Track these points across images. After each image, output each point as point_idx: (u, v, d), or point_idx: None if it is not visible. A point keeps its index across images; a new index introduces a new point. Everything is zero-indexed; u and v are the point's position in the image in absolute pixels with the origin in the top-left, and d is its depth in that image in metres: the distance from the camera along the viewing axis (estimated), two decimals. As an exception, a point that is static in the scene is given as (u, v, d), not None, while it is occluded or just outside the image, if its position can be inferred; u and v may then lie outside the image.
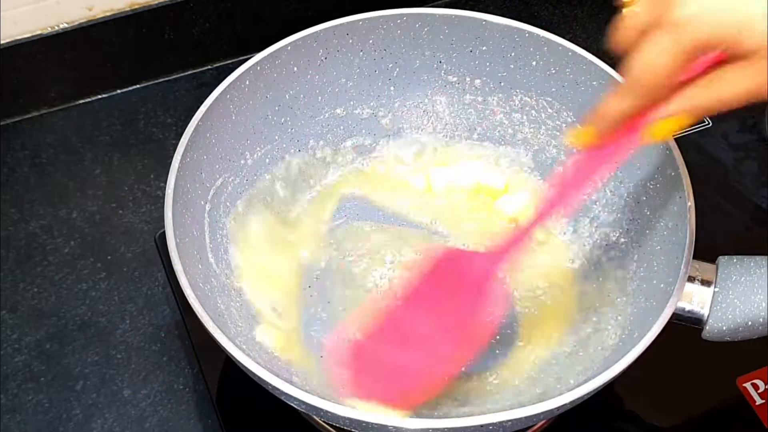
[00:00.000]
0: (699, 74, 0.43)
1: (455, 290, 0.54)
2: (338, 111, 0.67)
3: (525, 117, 0.66)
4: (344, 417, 0.47)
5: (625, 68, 0.43)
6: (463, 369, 0.58)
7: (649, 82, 0.42)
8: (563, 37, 0.62)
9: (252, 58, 0.61)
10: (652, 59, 0.42)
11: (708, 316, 0.53)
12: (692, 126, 0.44)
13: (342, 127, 0.68)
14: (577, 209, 0.62)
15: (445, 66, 0.67)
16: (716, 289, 0.53)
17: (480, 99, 0.67)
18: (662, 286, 0.54)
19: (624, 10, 0.44)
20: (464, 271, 0.54)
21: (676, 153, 0.57)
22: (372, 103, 0.68)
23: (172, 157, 0.57)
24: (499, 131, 0.68)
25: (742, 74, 0.41)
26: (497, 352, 0.60)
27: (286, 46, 0.62)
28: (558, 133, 0.65)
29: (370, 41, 0.65)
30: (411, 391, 0.53)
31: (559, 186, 0.51)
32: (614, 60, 0.61)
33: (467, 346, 0.54)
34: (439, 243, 0.64)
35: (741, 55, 0.41)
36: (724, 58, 0.42)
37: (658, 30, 0.41)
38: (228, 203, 0.62)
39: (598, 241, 0.63)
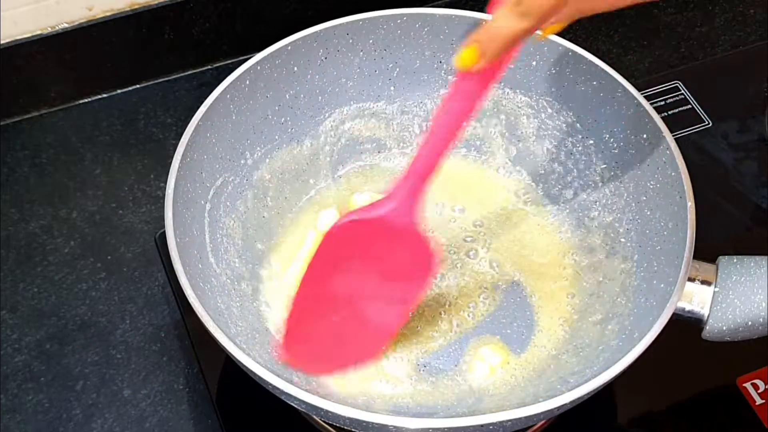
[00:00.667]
0: None
1: (373, 257, 0.54)
2: (338, 111, 0.67)
3: (525, 117, 0.66)
4: (344, 417, 0.47)
5: None
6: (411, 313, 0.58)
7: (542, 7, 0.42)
8: (563, 37, 0.62)
9: (252, 58, 0.61)
10: None
11: (708, 316, 0.53)
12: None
13: (342, 127, 0.68)
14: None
15: (445, 66, 0.67)
16: (716, 289, 0.53)
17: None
18: (662, 286, 0.54)
19: None
20: (375, 236, 0.53)
21: (676, 153, 0.57)
22: (372, 103, 0.68)
23: (172, 157, 0.57)
24: (498, 131, 0.68)
25: None
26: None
27: (286, 46, 0.62)
28: (558, 133, 0.65)
29: (370, 41, 0.65)
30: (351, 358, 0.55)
31: (446, 114, 0.49)
32: (614, 60, 0.61)
33: (402, 307, 0.55)
34: None
35: None
36: None
37: None
38: (228, 203, 0.62)
39: (598, 240, 0.63)
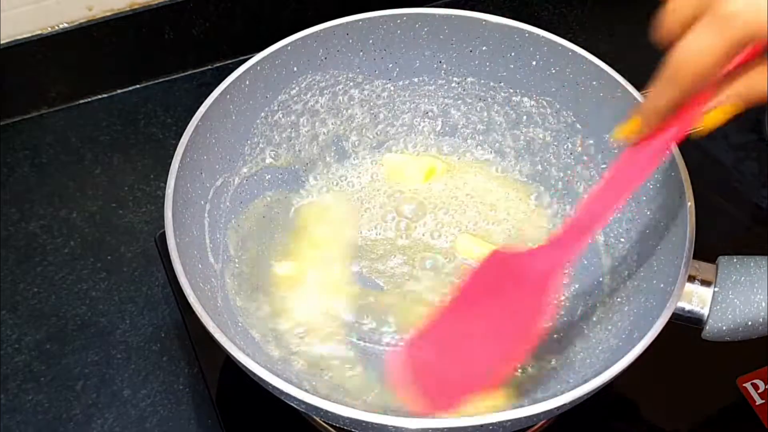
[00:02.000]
0: (739, 65, 0.43)
1: (504, 292, 0.53)
2: (338, 111, 0.67)
3: (525, 117, 0.66)
4: (344, 417, 0.47)
5: (669, 58, 0.43)
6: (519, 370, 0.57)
7: (691, 72, 0.42)
8: (563, 37, 0.62)
9: (252, 58, 0.61)
10: (696, 50, 0.41)
11: (708, 316, 0.53)
12: (736, 117, 0.45)
13: (342, 128, 0.68)
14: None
15: (445, 66, 0.67)
16: (716, 289, 0.53)
17: (480, 99, 0.67)
18: (662, 286, 0.54)
19: (669, 2, 0.44)
20: (515, 272, 0.52)
21: (676, 153, 0.57)
22: (372, 103, 0.68)
23: (172, 157, 0.57)
24: (498, 131, 0.68)
25: None
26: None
27: (286, 46, 0.62)
28: (557, 133, 0.65)
29: (370, 41, 0.65)
30: (469, 393, 0.51)
31: (613, 183, 0.50)
32: (614, 60, 0.61)
33: (521, 346, 0.52)
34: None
35: None
36: (759, 50, 0.42)
37: (704, 22, 0.41)
38: (228, 203, 0.62)
39: (598, 240, 0.63)
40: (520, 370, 0.58)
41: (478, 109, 0.68)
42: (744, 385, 0.63)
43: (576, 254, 0.51)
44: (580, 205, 0.51)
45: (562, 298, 0.62)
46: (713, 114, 0.45)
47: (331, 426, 0.59)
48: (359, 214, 0.66)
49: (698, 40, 0.41)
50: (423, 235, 0.65)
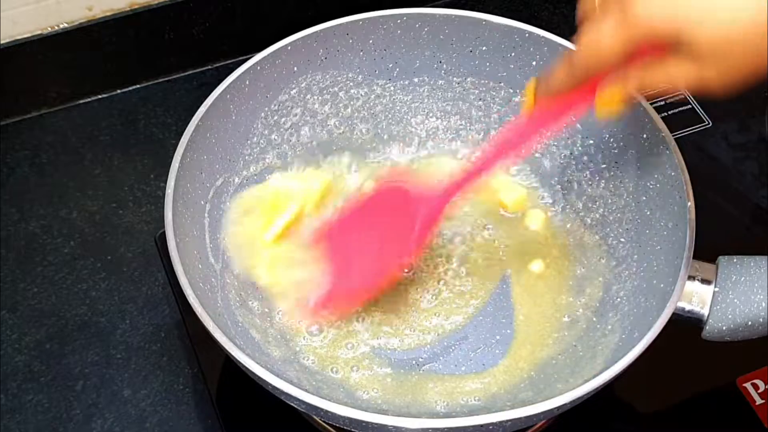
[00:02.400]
0: (645, 58, 0.46)
1: (398, 218, 0.59)
2: (338, 111, 0.67)
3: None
4: (344, 417, 0.47)
5: (577, 38, 0.47)
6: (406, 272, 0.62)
7: (591, 56, 0.46)
8: (563, 37, 0.62)
9: (252, 58, 0.61)
10: (598, 37, 0.45)
11: (708, 316, 0.53)
12: (627, 104, 0.50)
13: (342, 127, 0.68)
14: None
15: (445, 66, 0.67)
16: (716, 289, 0.53)
17: (480, 99, 0.67)
18: (662, 286, 0.54)
19: None
20: (408, 203, 0.58)
21: (676, 153, 0.57)
22: (372, 103, 0.68)
23: (172, 157, 0.57)
24: (498, 130, 0.68)
25: (684, 67, 0.45)
26: (497, 351, 0.60)
27: (286, 46, 0.62)
28: (557, 134, 0.65)
29: (370, 41, 0.65)
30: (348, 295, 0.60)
31: (503, 138, 0.54)
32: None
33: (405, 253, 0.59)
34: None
35: (684, 50, 0.44)
36: (671, 46, 0.45)
37: (613, 11, 0.45)
38: (228, 203, 0.62)
39: (598, 240, 0.63)
40: (522, 370, 0.58)
41: (478, 109, 0.68)
42: (744, 385, 0.63)
43: (453, 198, 0.56)
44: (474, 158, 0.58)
45: (562, 297, 0.62)
46: (606, 97, 0.48)
47: (331, 426, 0.60)
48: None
49: (602, 28, 0.45)
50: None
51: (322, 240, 0.61)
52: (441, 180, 0.57)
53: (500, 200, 0.66)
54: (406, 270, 0.62)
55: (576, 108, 0.51)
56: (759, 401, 0.62)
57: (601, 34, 0.45)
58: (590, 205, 0.64)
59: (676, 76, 0.45)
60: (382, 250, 0.60)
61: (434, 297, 0.62)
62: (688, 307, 0.53)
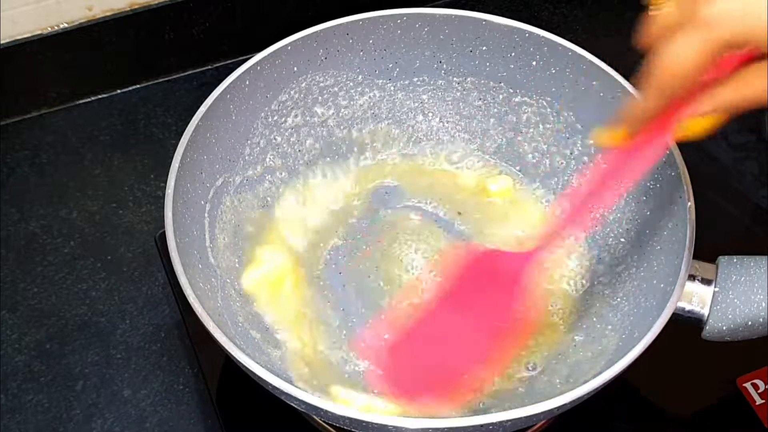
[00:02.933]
0: (727, 72, 0.44)
1: (488, 290, 0.54)
2: (338, 111, 0.67)
3: (525, 117, 0.67)
4: (344, 417, 0.47)
5: (652, 65, 0.43)
6: (508, 370, 0.58)
7: (675, 78, 0.43)
8: (563, 37, 0.62)
9: (252, 58, 0.61)
10: (678, 56, 0.42)
11: (708, 316, 0.53)
12: (722, 125, 0.46)
13: (342, 127, 0.68)
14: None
15: (445, 66, 0.67)
16: (716, 289, 0.53)
17: (480, 99, 0.67)
18: (662, 286, 0.54)
19: (651, 8, 0.44)
20: (496, 271, 0.54)
21: (676, 153, 0.57)
22: (372, 103, 0.68)
23: (172, 157, 0.57)
24: (498, 131, 0.68)
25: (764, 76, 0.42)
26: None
27: (286, 46, 0.62)
28: (557, 133, 0.65)
29: (370, 41, 0.65)
30: (450, 391, 0.53)
31: (590, 186, 0.51)
32: (614, 60, 0.61)
33: (505, 345, 0.54)
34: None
35: (765, 55, 0.42)
36: (752, 56, 0.43)
37: (686, 27, 0.41)
38: (228, 203, 0.62)
39: (599, 240, 0.63)
40: (529, 370, 0.58)
41: (478, 109, 0.68)
42: (744, 385, 0.63)
43: (547, 252, 0.53)
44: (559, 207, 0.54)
45: (562, 297, 0.62)
46: (698, 121, 0.45)
47: (331, 426, 0.59)
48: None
49: (680, 45, 0.42)
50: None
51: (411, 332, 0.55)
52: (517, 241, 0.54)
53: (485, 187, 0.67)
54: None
55: (661, 138, 0.48)
56: (759, 401, 0.62)
57: (683, 50, 0.42)
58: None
59: (761, 86, 0.42)
60: (482, 326, 0.54)
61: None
62: (688, 307, 0.53)
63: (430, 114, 0.69)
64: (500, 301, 0.54)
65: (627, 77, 0.60)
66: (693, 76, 0.42)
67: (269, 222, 0.64)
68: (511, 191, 0.67)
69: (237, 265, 0.61)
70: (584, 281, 0.62)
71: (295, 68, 0.64)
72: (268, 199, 0.65)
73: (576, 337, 0.59)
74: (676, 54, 0.42)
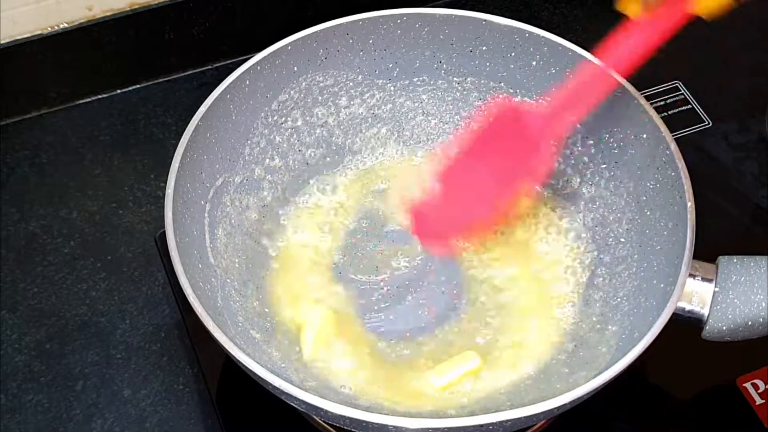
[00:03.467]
0: None
1: (511, 142, 0.57)
2: (338, 111, 0.67)
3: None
4: (344, 417, 0.47)
5: None
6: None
7: None
8: (563, 37, 0.62)
9: (252, 58, 0.61)
10: None
11: (708, 316, 0.53)
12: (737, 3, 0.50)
13: (342, 127, 0.68)
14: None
15: (445, 66, 0.67)
16: (716, 289, 0.53)
17: (480, 99, 0.67)
18: (662, 286, 0.54)
19: None
20: (517, 125, 0.56)
21: (676, 153, 0.57)
22: (372, 103, 0.68)
23: (172, 157, 0.57)
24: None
25: None
26: (496, 353, 0.60)
27: (286, 46, 0.62)
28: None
29: (370, 41, 0.65)
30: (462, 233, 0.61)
31: (612, 54, 0.54)
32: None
33: (514, 197, 0.59)
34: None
35: None
36: None
37: None
38: (228, 203, 0.62)
39: (599, 240, 0.63)
40: (529, 369, 0.58)
41: (478, 109, 0.68)
42: (744, 385, 0.63)
43: (575, 115, 0.56)
44: (580, 68, 0.58)
45: (562, 297, 0.62)
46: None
47: (331, 426, 0.60)
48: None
49: None
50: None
51: (445, 175, 0.60)
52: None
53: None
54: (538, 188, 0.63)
55: (679, 13, 0.50)
56: (759, 401, 0.62)
57: None
58: (590, 205, 0.64)
59: None
60: (508, 175, 0.58)
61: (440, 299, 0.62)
62: (688, 307, 0.53)
63: (430, 114, 0.69)
64: (518, 155, 0.57)
65: (627, 77, 0.60)
66: None
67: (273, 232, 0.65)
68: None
69: (237, 265, 0.61)
70: (584, 281, 0.62)
71: (295, 68, 0.64)
72: (269, 199, 0.65)
73: (575, 337, 0.59)
74: None
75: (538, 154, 0.56)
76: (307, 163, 0.67)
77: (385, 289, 0.62)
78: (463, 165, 0.60)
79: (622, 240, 0.61)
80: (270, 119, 0.64)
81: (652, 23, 0.51)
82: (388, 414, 0.48)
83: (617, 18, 0.87)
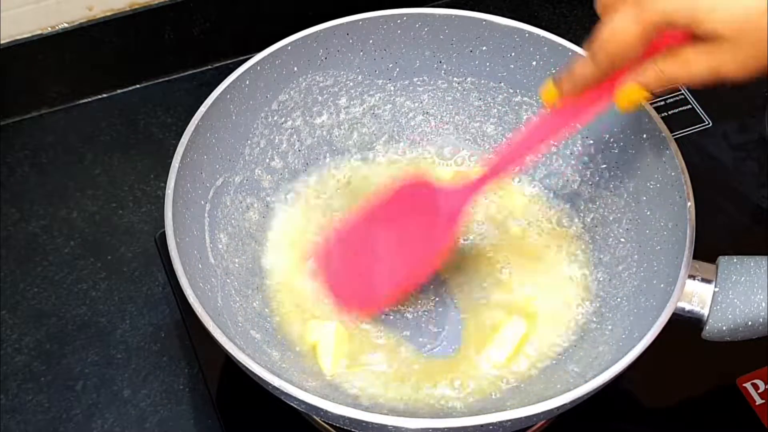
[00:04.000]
0: (664, 49, 0.47)
1: (421, 216, 0.59)
2: (338, 111, 0.67)
3: (525, 117, 0.66)
4: (344, 417, 0.47)
5: (595, 35, 0.47)
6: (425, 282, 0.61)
7: (611, 49, 0.46)
8: (563, 37, 0.62)
9: (252, 58, 0.61)
10: (616, 29, 0.45)
11: (708, 316, 0.53)
12: (653, 97, 0.51)
13: (342, 127, 0.68)
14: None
15: (445, 66, 0.67)
16: (716, 289, 0.53)
17: (480, 99, 0.67)
18: (662, 286, 0.54)
19: None
20: (428, 202, 0.58)
21: (676, 153, 0.57)
22: (372, 103, 0.68)
23: (172, 157, 0.57)
24: (498, 132, 0.68)
25: (701, 55, 0.45)
26: (496, 352, 0.60)
27: (286, 46, 0.62)
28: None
29: (370, 41, 0.65)
30: (377, 297, 0.60)
31: (522, 138, 0.55)
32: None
33: (424, 270, 0.60)
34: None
35: (701, 37, 0.44)
36: (689, 36, 0.45)
37: (625, 4, 0.45)
38: (228, 203, 0.62)
39: (598, 240, 0.63)
40: (530, 369, 0.58)
41: (478, 109, 0.68)
42: (744, 385, 0.63)
43: (481, 192, 0.57)
44: (496, 151, 0.60)
45: (562, 298, 0.62)
46: (627, 92, 0.48)
47: (331, 426, 0.60)
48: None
49: (617, 20, 0.45)
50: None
51: (344, 238, 0.61)
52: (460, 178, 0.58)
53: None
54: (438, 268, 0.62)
55: (597, 104, 0.51)
56: (759, 401, 0.62)
57: (620, 25, 0.45)
58: (590, 205, 0.64)
59: (695, 66, 0.45)
60: (410, 250, 0.59)
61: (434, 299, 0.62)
62: (688, 307, 0.53)
63: (430, 114, 0.69)
64: (431, 230, 0.58)
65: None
66: (630, 51, 0.46)
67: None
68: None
69: (237, 266, 0.61)
70: (584, 281, 0.62)
71: (295, 68, 0.64)
72: (269, 199, 0.65)
73: (576, 337, 0.59)
74: (614, 28, 0.46)
75: (447, 231, 0.58)
76: (307, 164, 0.67)
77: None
78: (373, 233, 0.61)
79: (622, 240, 0.61)
80: (270, 119, 0.64)
81: (569, 111, 0.52)
82: (387, 414, 0.48)
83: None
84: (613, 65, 0.47)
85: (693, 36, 0.45)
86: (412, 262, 0.59)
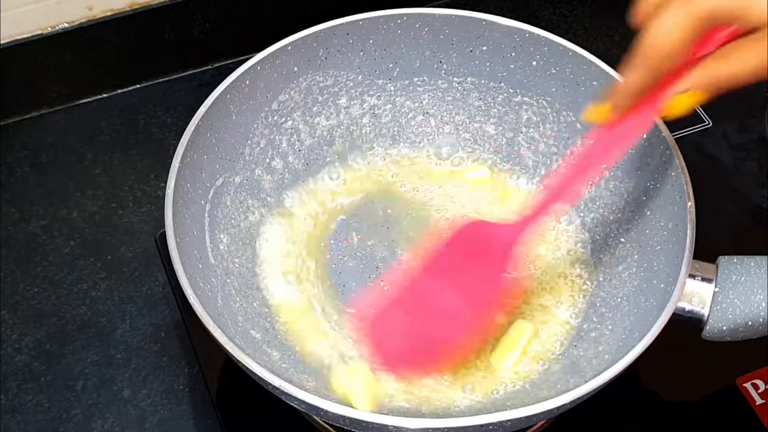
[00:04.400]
0: (715, 50, 0.44)
1: (475, 260, 0.55)
2: (338, 111, 0.67)
3: (525, 117, 0.67)
4: (344, 417, 0.47)
5: (640, 43, 0.44)
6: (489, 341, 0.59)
7: (660, 53, 0.43)
8: (563, 37, 0.62)
9: (252, 58, 0.61)
10: (663, 31, 0.43)
11: (708, 316, 0.53)
12: (708, 100, 0.47)
13: (342, 127, 0.68)
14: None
15: (445, 66, 0.67)
16: (716, 289, 0.53)
17: (480, 99, 0.67)
18: (662, 286, 0.54)
19: None
20: (484, 242, 0.55)
21: (676, 153, 0.57)
22: (372, 103, 0.68)
23: (172, 157, 0.57)
24: (498, 131, 0.68)
25: (751, 50, 0.43)
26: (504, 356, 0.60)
27: (286, 46, 0.62)
28: (557, 133, 0.65)
29: (370, 41, 0.65)
30: (435, 360, 0.56)
31: (579, 161, 0.52)
32: (614, 60, 0.61)
33: (489, 315, 0.56)
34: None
35: (750, 30, 0.42)
36: (738, 33, 0.43)
37: (671, 4, 0.42)
38: (228, 203, 0.62)
39: (598, 240, 0.63)
40: (529, 369, 0.58)
41: (478, 109, 0.68)
42: (744, 385, 0.63)
43: (537, 225, 0.54)
44: (548, 181, 0.56)
45: (562, 298, 0.62)
46: (682, 98, 0.46)
47: (331, 426, 0.60)
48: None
49: (666, 20, 0.43)
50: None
51: (396, 298, 0.57)
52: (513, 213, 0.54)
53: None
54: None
55: (648, 117, 0.48)
56: (759, 401, 0.62)
57: (668, 24, 0.43)
58: (590, 205, 0.64)
59: (750, 60, 0.43)
60: (472, 294, 0.56)
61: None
62: (688, 307, 0.53)
63: (430, 114, 0.69)
64: (487, 272, 0.55)
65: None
66: (679, 53, 0.43)
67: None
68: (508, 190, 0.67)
69: (237, 266, 0.61)
70: (584, 281, 0.62)
71: (295, 68, 0.64)
72: (269, 199, 0.65)
73: (576, 337, 0.59)
74: (661, 31, 0.43)
75: (502, 272, 0.54)
76: (307, 163, 0.67)
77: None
78: (427, 285, 0.56)
79: (622, 240, 0.61)
80: (270, 119, 0.64)
81: (620, 129, 0.49)
82: (388, 414, 0.48)
83: (617, 18, 0.87)
84: (663, 69, 0.44)
85: (743, 32, 0.43)
86: (470, 313, 0.56)
